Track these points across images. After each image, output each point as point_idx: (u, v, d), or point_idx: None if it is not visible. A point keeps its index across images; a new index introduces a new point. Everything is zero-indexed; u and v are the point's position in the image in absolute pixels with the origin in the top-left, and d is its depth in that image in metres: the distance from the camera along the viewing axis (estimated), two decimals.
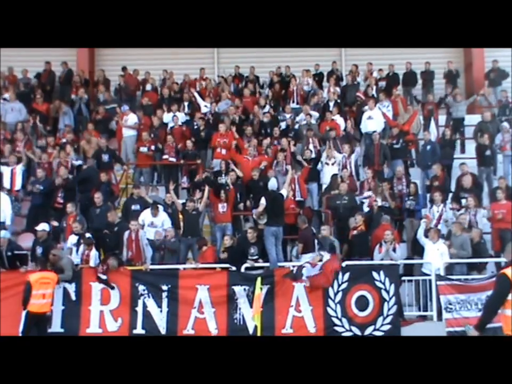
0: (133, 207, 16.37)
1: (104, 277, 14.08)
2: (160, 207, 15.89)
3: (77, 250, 14.73)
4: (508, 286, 7.45)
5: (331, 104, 20.40)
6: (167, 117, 20.37)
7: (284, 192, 14.81)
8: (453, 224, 14.86)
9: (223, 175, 17.40)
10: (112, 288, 14.11)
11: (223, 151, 18.49)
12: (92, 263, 14.39)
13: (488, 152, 17.74)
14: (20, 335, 13.24)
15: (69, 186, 17.10)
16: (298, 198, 16.85)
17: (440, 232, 14.74)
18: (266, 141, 18.51)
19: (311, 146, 18.31)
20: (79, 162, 18.51)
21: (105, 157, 18.40)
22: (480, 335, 7.68)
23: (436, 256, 14.18)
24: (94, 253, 14.50)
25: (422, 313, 14.12)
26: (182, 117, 20.38)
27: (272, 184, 14.64)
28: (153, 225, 15.61)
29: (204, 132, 19.35)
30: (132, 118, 20.06)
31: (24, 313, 13.34)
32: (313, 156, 18.09)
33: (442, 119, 20.61)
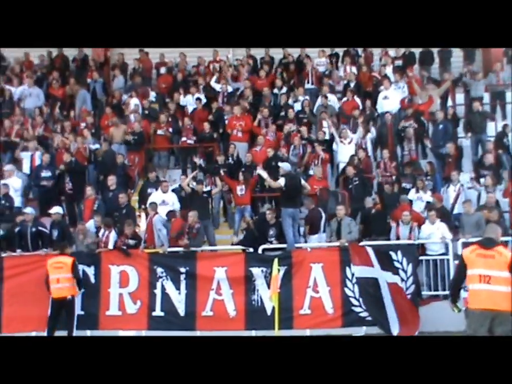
0: (149, 191, 16.52)
1: (132, 242, 14.31)
2: (169, 184, 15.99)
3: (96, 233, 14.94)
4: (462, 263, 8.25)
5: (352, 84, 20.27)
6: (184, 100, 20.44)
7: None
8: (464, 203, 14.80)
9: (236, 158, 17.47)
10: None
11: (239, 134, 18.48)
12: (110, 245, 14.54)
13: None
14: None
15: (77, 170, 17.26)
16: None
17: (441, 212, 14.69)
18: (288, 127, 18.38)
19: (325, 128, 18.26)
20: (96, 146, 18.60)
21: (132, 140, 18.52)
22: (454, 308, 8.40)
23: (437, 236, 14.20)
24: (113, 234, 14.66)
25: (439, 292, 14.07)
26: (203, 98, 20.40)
27: (286, 166, 14.64)
28: (165, 203, 15.70)
29: (215, 114, 19.40)
30: (132, 102, 20.11)
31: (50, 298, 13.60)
32: (326, 137, 18.06)
33: (459, 97, 20.38)
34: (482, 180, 15.78)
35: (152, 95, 20.97)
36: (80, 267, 14.17)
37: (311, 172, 17.01)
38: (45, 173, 17.21)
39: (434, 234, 14.25)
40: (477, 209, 14.68)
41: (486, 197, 15.04)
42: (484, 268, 7.99)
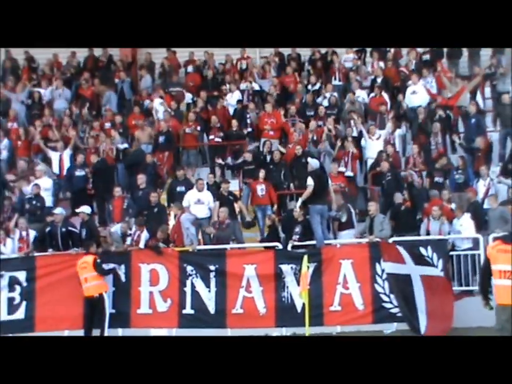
0: (178, 189, 16.52)
1: (162, 245, 14.39)
2: (204, 182, 16.02)
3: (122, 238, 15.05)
4: (486, 259, 8.30)
5: (379, 80, 20.16)
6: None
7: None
8: (489, 198, 14.69)
9: (266, 155, 17.44)
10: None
11: (271, 132, 18.49)
12: (141, 245, 14.62)
13: None
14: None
15: (104, 169, 17.45)
16: (348, 173, 16.92)
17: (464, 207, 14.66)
18: (313, 123, 18.30)
19: (353, 124, 18.22)
20: (125, 145, 18.73)
21: (161, 139, 18.55)
22: (486, 306, 8.32)
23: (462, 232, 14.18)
24: (145, 234, 14.72)
25: (470, 287, 13.94)
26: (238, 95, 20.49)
27: (314, 163, 14.61)
28: (200, 201, 15.59)
29: (238, 112, 19.47)
30: (156, 102, 20.16)
31: None
32: (355, 133, 18.01)
33: (486, 91, 20.18)
34: None
35: (188, 96, 21.00)
36: (111, 265, 14.30)
37: (341, 169, 16.98)
38: (79, 172, 17.40)
39: (458, 229, 14.24)
40: (501, 203, 14.56)
41: None
42: (504, 263, 7.94)
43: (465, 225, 14.16)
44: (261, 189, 16.22)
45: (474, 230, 14.13)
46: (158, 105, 19.99)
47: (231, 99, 20.35)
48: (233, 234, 15.24)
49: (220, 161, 18.16)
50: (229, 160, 18.35)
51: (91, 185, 17.33)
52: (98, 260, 13.84)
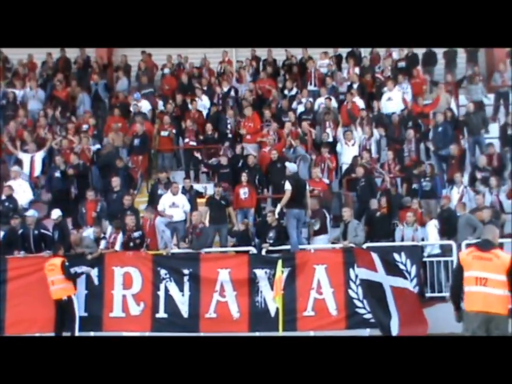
0: (160, 191, 16.43)
1: (137, 234, 14.37)
2: (179, 186, 15.92)
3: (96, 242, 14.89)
4: (458, 265, 8.29)
5: (355, 85, 20.22)
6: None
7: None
8: (457, 205, 14.85)
9: (240, 160, 17.43)
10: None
11: (248, 136, 18.50)
12: (117, 247, 14.51)
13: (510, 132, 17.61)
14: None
15: (84, 173, 17.40)
16: (324, 180, 16.94)
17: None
18: (288, 125, 18.29)
19: (328, 130, 18.26)
20: (97, 146, 18.61)
21: (136, 141, 18.44)
22: (459, 317, 8.29)
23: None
24: (120, 236, 14.60)
25: (443, 294, 14.02)
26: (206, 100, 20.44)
27: (292, 167, 14.60)
28: (175, 205, 15.57)
29: (213, 116, 19.42)
30: (145, 106, 20.06)
31: None
32: (330, 139, 18.03)
33: (462, 99, 20.38)
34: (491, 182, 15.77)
35: (160, 104, 20.89)
36: (85, 268, 14.19)
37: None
38: (58, 173, 17.25)
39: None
40: (471, 211, 14.73)
41: (490, 198, 15.07)
42: (480, 270, 7.98)
43: (428, 231, 14.37)
44: (244, 192, 16.16)
45: (438, 237, 14.34)
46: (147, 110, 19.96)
47: (203, 103, 20.29)
48: (210, 239, 15.14)
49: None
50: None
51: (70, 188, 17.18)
52: (67, 263, 13.71)
